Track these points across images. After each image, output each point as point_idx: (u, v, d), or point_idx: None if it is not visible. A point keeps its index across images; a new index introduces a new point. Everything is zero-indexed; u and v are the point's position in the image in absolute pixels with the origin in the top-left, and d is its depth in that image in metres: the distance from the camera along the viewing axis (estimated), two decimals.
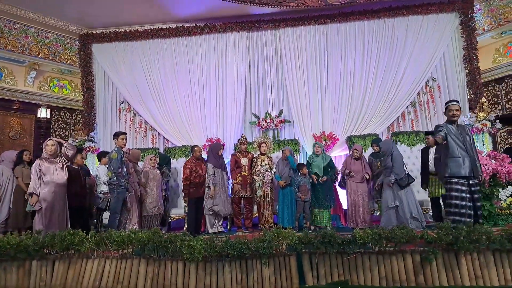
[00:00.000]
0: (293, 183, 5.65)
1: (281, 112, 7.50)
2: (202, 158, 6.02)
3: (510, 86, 7.37)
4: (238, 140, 6.39)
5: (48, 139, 4.69)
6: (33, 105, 7.94)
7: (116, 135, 5.02)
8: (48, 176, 4.43)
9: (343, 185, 6.01)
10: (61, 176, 4.54)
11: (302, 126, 7.35)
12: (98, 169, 5.52)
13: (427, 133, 5.61)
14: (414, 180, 5.23)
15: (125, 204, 4.82)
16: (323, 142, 7.09)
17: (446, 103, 4.37)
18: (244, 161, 5.98)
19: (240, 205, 5.95)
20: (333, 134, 7.19)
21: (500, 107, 7.56)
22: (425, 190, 5.51)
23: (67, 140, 7.38)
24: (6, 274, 3.43)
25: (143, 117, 7.85)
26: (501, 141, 7.58)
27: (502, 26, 6.94)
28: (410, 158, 6.53)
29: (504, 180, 5.38)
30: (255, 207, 6.02)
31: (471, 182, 4.08)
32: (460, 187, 4.03)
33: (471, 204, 4.04)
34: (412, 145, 6.62)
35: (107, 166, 5.03)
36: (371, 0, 6.88)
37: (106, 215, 5.32)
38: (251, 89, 7.73)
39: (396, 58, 7.24)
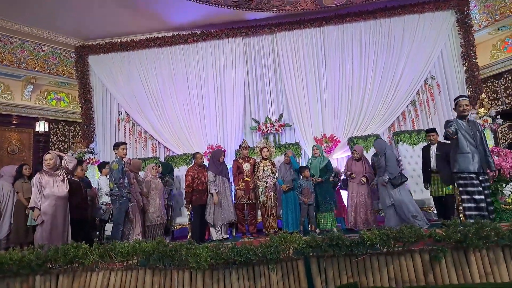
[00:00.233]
0: (296, 187, 5.61)
1: (281, 116, 7.48)
2: (204, 165, 5.99)
3: (509, 81, 7.37)
4: (240, 146, 6.36)
5: (46, 153, 4.65)
6: (31, 119, 7.91)
7: (117, 146, 4.98)
8: (48, 190, 4.40)
9: (343, 187, 5.97)
10: (62, 189, 4.50)
11: (303, 129, 7.32)
12: (99, 180, 5.48)
13: (428, 130, 5.57)
14: (407, 179, 5.23)
15: (127, 214, 4.78)
16: (324, 145, 7.07)
17: (456, 98, 4.34)
18: (246, 167, 5.94)
19: (243, 211, 5.90)
20: (334, 136, 7.16)
21: (500, 103, 7.55)
22: (427, 188, 5.46)
23: (66, 153, 7.38)
24: None
25: (142, 127, 7.82)
26: (502, 137, 7.55)
27: (499, 22, 6.96)
28: (413, 157, 6.48)
29: (508, 175, 5.35)
30: (259, 213, 5.97)
31: (481, 178, 4.04)
32: (474, 181, 3.99)
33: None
34: (414, 144, 6.58)
35: (108, 176, 4.99)
36: (366, 1, 6.88)
37: (108, 227, 5.26)
38: (250, 94, 7.71)
39: (394, 57, 7.24)
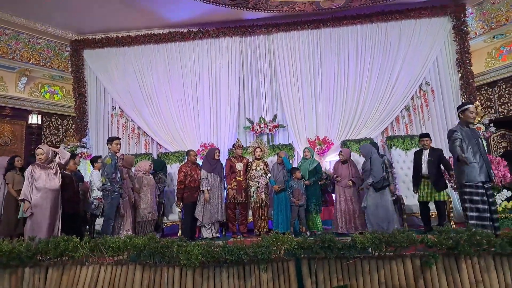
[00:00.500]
0: (287, 188, 5.62)
1: (275, 117, 7.48)
2: (197, 163, 5.97)
3: (503, 89, 7.44)
4: (233, 145, 6.35)
5: (37, 147, 4.60)
6: (24, 111, 7.82)
7: (110, 140, 4.95)
8: (40, 183, 4.38)
9: (329, 190, 6.00)
10: (54, 182, 4.48)
11: (297, 130, 7.32)
12: (92, 175, 5.43)
13: (422, 135, 5.60)
14: (390, 184, 5.26)
15: (118, 210, 4.75)
16: (318, 147, 7.08)
17: (463, 105, 4.30)
18: (239, 166, 5.94)
19: (235, 210, 5.89)
20: (328, 139, 7.16)
21: (493, 111, 7.62)
22: (416, 193, 5.48)
23: (58, 147, 7.31)
24: None
25: (136, 123, 7.76)
26: (495, 145, 7.63)
27: (494, 30, 7.00)
28: (405, 162, 6.52)
29: (500, 184, 5.41)
30: (250, 213, 5.96)
31: (486, 186, 4.03)
32: (480, 190, 3.97)
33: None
34: (407, 149, 6.62)
35: (101, 171, 4.95)
36: (364, 4, 6.91)
37: (99, 221, 5.22)
38: (245, 94, 7.70)
39: (389, 62, 7.26)
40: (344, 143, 6.95)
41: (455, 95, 7.15)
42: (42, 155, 4.48)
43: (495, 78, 7.49)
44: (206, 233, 5.64)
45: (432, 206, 5.43)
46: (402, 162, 6.58)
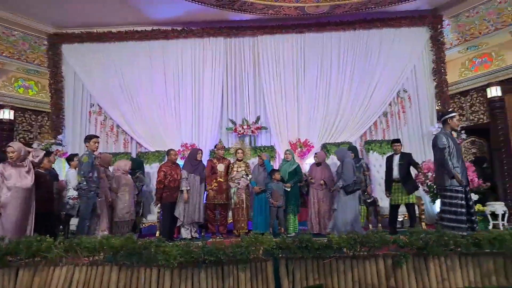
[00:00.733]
0: (267, 189, 5.68)
1: (258, 118, 7.53)
2: (177, 163, 5.94)
3: (475, 98, 7.76)
4: (215, 146, 6.35)
5: (7, 145, 4.45)
6: None
7: (88, 138, 4.83)
8: (11, 181, 4.24)
9: (303, 192, 6.11)
10: (26, 181, 4.34)
11: (279, 133, 7.40)
12: (68, 173, 5.31)
13: (394, 141, 5.80)
14: (360, 188, 5.38)
15: (94, 209, 4.66)
16: (299, 149, 7.18)
17: (449, 112, 4.49)
18: (220, 167, 5.95)
19: (215, 211, 5.89)
20: (309, 142, 7.27)
21: (465, 119, 7.93)
22: (388, 197, 5.67)
23: (31, 144, 7.11)
24: None
25: (115, 121, 7.62)
26: (465, 151, 7.95)
27: (468, 42, 7.30)
28: (382, 166, 6.66)
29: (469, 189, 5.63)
30: (230, 214, 5.98)
31: (467, 189, 4.18)
32: (460, 194, 4.09)
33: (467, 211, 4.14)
34: (384, 153, 6.82)
35: (77, 170, 4.85)
36: (347, 12, 7.06)
37: (74, 221, 5.11)
38: (228, 95, 7.71)
39: (370, 68, 7.46)
40: (324, 146, 7.07)
41: (430, 102, 7.41)
42: (13, 153, 4.33)
43: (467, 88, 7.81)
44: (185, 233, 5.62)
45: (403, 208, 5.61)
46: (379, 166, 6.77)
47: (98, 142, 4.89)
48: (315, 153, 6.06)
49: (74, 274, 3.18)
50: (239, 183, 5.82)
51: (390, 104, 7.54)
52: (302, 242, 3.25)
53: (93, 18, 7.36)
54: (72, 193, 5.11)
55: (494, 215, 6.02)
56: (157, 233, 5.75)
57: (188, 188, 5.62)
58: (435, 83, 7.42)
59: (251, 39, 7.75)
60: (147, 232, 6.28)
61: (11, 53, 7.36)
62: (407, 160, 5.54)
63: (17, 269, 3.22)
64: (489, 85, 7.35)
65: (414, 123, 7.39)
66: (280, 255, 3.31)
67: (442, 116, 4.50)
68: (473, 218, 4.18)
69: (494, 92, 7.25)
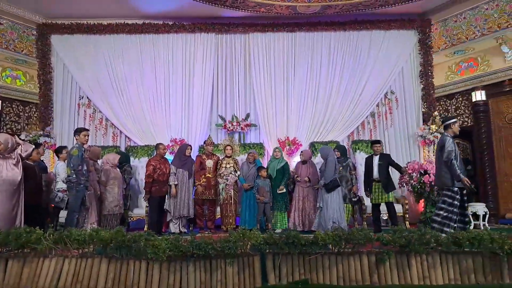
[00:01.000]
0: (254, 186, 5.76)
1: (247, 116, 7.58)
2: (165, 158, 5.97)
3: (460, 102, 7.93)
4: (204, 142, 6.39)
5: None
6: None
7: (78, 131, 4.83)
8: None
9: (289, 190, 6.21)
10: (14, 173, 4.31)
11: (268, 130, 7.47)
12: (57, 166, 5.28)
13: (374, 142, 5.97)
14: (339, 186, 5.51)
15: (84, 202, 4.67)
16: (287, 147, 7.27)
17: (451, 118, 4.77)
18: (209, 163, 5.99)
19: (203, 206, 5.94)
20: (297, 140, 7.36)
21: None
22: (368, 196, 5.83)
23: (19, 135, 7.02)
24: None
25: (104, 114, 7.58)
26: None
27: (455, 46, 7.46)
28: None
29: None
30: (218, 209, 6.05)
31: (464, 191, 4.43)
32: (458, 196, 4.33)
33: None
34: (371, 153, 6.93)
35: (66, 162, 4.83)
36: (338, 12, 7.15)
37: (62, 214, 5.10)
38: (218, 91, 7.74)
39: (359, 69, 7.58)
40: (312, 145, 7.18)
41: (416, 104, 7.60)
42: (0, 145, 4.31)
43: (453, 91, 7.98)
44: (173, 228, 5.68)
45: (383, 207, 5.76)
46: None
47: (88, 135, 4.89)
48: (301, 151, 6.19)
49: (63, 265, 3.21)
50: (227, 179, 5.88)
51: (377, 105, 7.69)
52: (288, 238, 3.34)
53: (83, 9, 7.27)
54: (61, 185, 5.10)
55: (475, 216, 6.20)
56: (145, 227, 5.77)
57: (176, 183, 5.66)
58: (422, 86, 7.59)
59: (243, 36, 7.79)
60: (135, 226, 6.29)
61: None
62: (387, 160, 5.73)
63: (7, 260, 3.24)
64: (474, 89, 7.52)
65: (400, 125, 7.56)
66: (267, 251, 3.40)
67: (445, 121, 4.70)
68: (466, 218, 4.52)
69: (479, 96, 7.42)
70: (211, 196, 5.89)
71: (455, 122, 4.61)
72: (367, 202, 6.13)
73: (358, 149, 7.07)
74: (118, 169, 5.69)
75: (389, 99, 7.70)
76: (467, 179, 4.26)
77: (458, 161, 4.33)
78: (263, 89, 7.55)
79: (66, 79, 7.62)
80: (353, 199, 6.00)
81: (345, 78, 7.57)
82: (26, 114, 8.08)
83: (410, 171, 6.00)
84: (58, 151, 5.65)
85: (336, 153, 6.16)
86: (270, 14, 7.25)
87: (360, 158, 6.92)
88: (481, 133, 7.32)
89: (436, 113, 7.41)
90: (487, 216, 6.20)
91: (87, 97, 7.62)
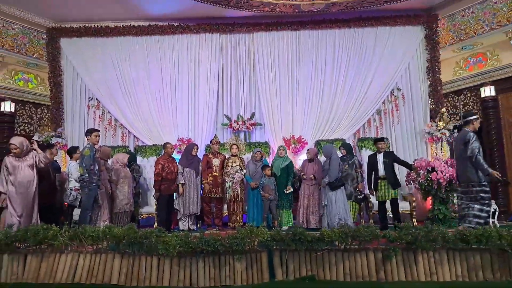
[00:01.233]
0: (260, 184, 5.83)
1: (252, 115, 7.64)
2: (173, 157, 6.07)
3: (468, 98, 7.88)
4: (211, 141, 6.47)
5: (10, 142, 4.56)
6: None
7: (89, 132, 4.97)
8: (15, 176, 4.41)
9: (296, 187, 6.25)
10: (28, 175, 4.49)
11: (273, 129, 7.52)
12: (69, 166, 5.40)
13: (378, 139, 5.97)
14: (344, 184, 5.57)
15: (96, 201, 4.81)
16: (292, 145, 7.31)
17: (472, 114, 4.84)
18: (216, 162, 6.07)
19: (210, 204, 6.03)
20: (302, 138, 7.39)
21: (458, 118, 8.04)
22: (372, 194, 5.85)
23: (32, 136, 7.19)
24: None
25: (113, 115, 7.71)
26: None
27: (463, 41, 7.39)
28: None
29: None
30: (225, 207, 6.13)
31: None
32: (488, 189, 4.49)
33: None
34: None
35: (79, 162, 4.97)
36: (342, 10, 7.15)
37: (76, 212, 5.23)
38: (224, 91, 7.80)
39: (364, 66, 7.57)
40: (317, 143, 7.20)
41: (423, 101, 7.55)
42: (16, 150, 4.49)
43: (461, 87, 7.92)
44: (182, 225, 5.78)
45: (389, 204, 5.78)
46: None
47: (98, 136, 5.04)
48: (308, 150, 6.22)
49: (79, 261, 3.34)
50: (233, 178, 5.96)
51: (383, 102, 7.67)
52: (295, 235, 3.41)
53: (91, 12, 7.40)
54: (73, 184, 5.22)
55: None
56: (155, 225, 5.88)
57: (183, 182, 5.76)
58: (429, 82, 7.54)
59: (247, 35, 7.83)
60: (145, 223, 6.40)
61: (11, 46, 7.40)
62: (392, 158, 5.75)
63: (25, 255, 3.38)
64: (483, 84, 7.46)
65: (407, 122, 7.53)
66: (274, 247, 3.47)
67: (466, 117, 4.79)
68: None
69: (488, 91, 7.36)
70: (218, 194, 5.97)
71: (477, 118, 4.73)
72: (373, 199, 6.16)
73: (364, 146, 7.07)
74: (128, 169, 5.81)
75: (395, 96, 7.68)
76: (496, 172, 4.31)
77: (481, 156, 4.42)
78: (268, 88, 7.59)
79: (75, 81, 7.77)
80: (358, 197, 6.02)
81: (350, 76, 7.57)
82: (38, 116, 8.27)
83: (417, 169, 6.01)
84: (71, 151, 5.77)
85: (342, 151, 6.19)
86: (274, 13, 7.29)
87: (366, 156, 6.89)
88: (490, 129, 7.27)
89: (443, 109, 7.37)
90: (497, 213, 6.16)
91: (96, 99, 7.77)
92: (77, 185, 5.04)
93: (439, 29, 7.61)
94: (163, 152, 6.22)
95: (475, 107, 7.78)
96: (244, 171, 6.04)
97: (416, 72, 7.67)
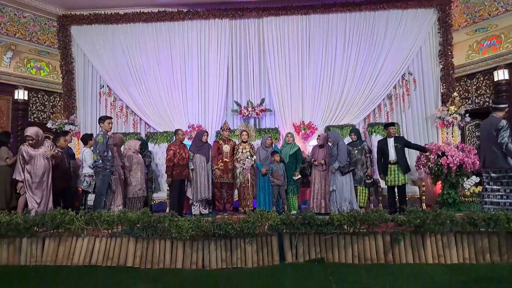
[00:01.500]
0: (269, 169, 5.90)
1: (262, 101, 7.65)
2: (184, 144, 6.16)
3: (481, 81, 7.76)
4: (221, 127, 6.53)
5: (25, 134, 4.67)
6: (10, 86, 7.72)
7: (102, 119, 5.07)
8: (30, 165, 4.57)
9: (307, 173, 6.29)
10: (43, 164, 4.65)
11: (283, 115, 7.53)
12: (83, 152, 5.54)
13: (389, 124, 5.93)
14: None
15: (110, 186, 4.94)
16: (302, 131, 7.32)
17: (503, 102, 4.88)
18: (226, 148, 6.15)
19: (221, 189, 6.13)
20: (312, 124, 7.40)
21: (470, 102, 7.97)
22: (383, 179, 5.86)
23: (45, 123, 7.34)
24: None
25: (124, 102, 7.81)
26: (469, 134, 8.03)
27: (477, 24, 7.21)
28: None
29: (469, 170, 5.80)
30: (236, 192, 6.23)
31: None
32: None
33: None
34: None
35: (92, 149, 5.09)
36: None
37: (91, 197, 5.39)
38: (234, 77, 7.81)
39: (375, 51, 7.48)
40: (327, 129, 7.20)
41: (435, 85, 7.46)
42: (32, 141, 4.64)
43: (474, 71, 7.78)
44: (194, 210, 5.92)
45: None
46: None
47: (111, 123, 5.14)
48: (318, 135, 6.23)
49: (95, 244, 3.47)
50: (244, 164, 6.03)
51: (394, 87, 7.59)
52: (305, 218, 3.48)
53: None
54: (87, 170, 5.36)
55: None
56: (167, 209, 6.02)
57: (192, 167, 5.89)
58: (441, 66, 7.43)
59: (256, 20, 7.78)
60: (158, 209, 6.55)
61: (23, 34, 7.49)
62: (403, 142, 5.74)
63: (44, 239, 3.52)
64: (496, 68, 7.34)
65: (418, 106, 7.47)
66: (284, 231, 3.55)
67: (498, 103, 4.77)
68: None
69: (502, 75, 7.24)
70: (229, 179, 6.06)
71: (507, 107, 4.74)
72: (383, 184, 6.18)
73: (374, 131, 7.04)
74: (140, 155, 5.92)
75: (406, 80, 7.59)
76: None
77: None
78: (278, 74, 7.57)
79: (87, 68, 7.87)
80: (368, 181, 6.05)
81: (361, 60, 7.49)
82: (51, 104, 8.43)
83: (427, 153, 5.99)
84: (86, 138, 5.90)
85: (352, 136, 6.20)
86: None
87: (376, 141, 6.92)
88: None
89: (455, 93, 7.27)
90: None
91: (108, 86, 7.85)
92: (91, 171, 5.18)
93: (452, 12, 7.44)
94: (174, 138, 6.30)
95: (487, 91, 7.66)
96: (254, 157, 6.10)
97: (428, 56, 7.56)
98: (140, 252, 3.40)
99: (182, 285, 3.07)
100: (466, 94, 8.04)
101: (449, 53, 7.41)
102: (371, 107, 7.52)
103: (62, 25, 7.77)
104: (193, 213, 5.83)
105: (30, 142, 4.59)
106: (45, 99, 8.38)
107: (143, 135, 7.58)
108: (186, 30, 7.78)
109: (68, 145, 5.79)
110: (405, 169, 5.60)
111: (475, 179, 6.10)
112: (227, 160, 6.08)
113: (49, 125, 7.41)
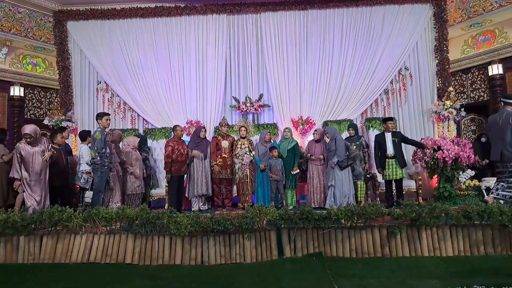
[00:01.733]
0: (267, 165, 5.93)
1: (261, 96, 7.66)
2: (183, 140, 6.17)
3: (476, 76, 7.82)
4: (219, 123, 6.54)
5: (23, 132, 4.66)
6: (6, 82, 7.70)
7: (100, 116, 5.06)
8: (29, 162, 4.57)
9: (303, 168, 6.33)
10: (40, 163, 4.65)
11: (281, 110, 7.55)
12: (81, 149, 5.53)
13: (387, 119, 5.99)
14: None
15: (108, 183, 4.94)
16: (300, 127, 7.35)
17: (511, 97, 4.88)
18: (225, 144, 6.17)
19: (220, 185, 6.16)
20: (310, 119, 7.42)
21: (465, 96, 8.04)
22: (380, 173, 5.91)
23: (42, 120, 7.32)
24: None
25: (121, 98, 7.78)
26: (464, 128, 8.10)
27: (472, 19, 7.28)
28: None
29: (465, 164, 5.86)
30: (235, 188, 6.26)
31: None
32: None
33: None
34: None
35: (90, 145, 5.09)
36: None
37: (88, 194, 5.39)
38: (232, 72, 7.80)
39: (372, 46, 7.50)
40: (325, 124, 7.24)
41: (431, 80, 7.50)
42: (30, 138, 4.63)
43: (469, 65, 7.85)
44: (193, 206, 5.94)
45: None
46: None
47: (109, 119, 5.15)
48: (315, 130, 6.27)
49: (93, 241, 3.48)
50: (242, 159, 6.06)
51: (391, 82, 7.63)
52: (303, 213, 3.51)
53: None
54: (84, 167, 5.36)
55: (488, 190, 6.23)
56: (166, 206, 6.05)
57: (188, 162, 5.92)
58: (437, 61, 7.47)
59: (254, 16, 7.77)
60: (156, 205, 6.58)
61: (18, 30, 7.45)
62: (400, 137, 5.80)
63: (41, 236, 3.53)
64: (491, 62, 7.40)
65: (414, 101, 7.51)
66: (283, 226, 3.59)
67: (509, 98, 4.83)
68: None
69: (496, 69, 7.32)
70: (227, 175, 6.09)
71: None
72: (380, 178, 6.24)
73: (372, 126, 7.10)
74: (138, 152, 5.93)
75: (403, 75, 7.63)
76: None
77: None
78: (276, 69, 7.58)
79: (83, 64, 7.81)
80: (367, 176, 6.10)
81: (358, 55, 7.51)
82: (48, 100, 8.40)
83: (430, 146, 6.05)
84: (84, 135, 5.89)
85: (351, 131, 6.23)
86: None
87: (373, 136, 6.96)
88: (497, 107, 7.21)
89: (451, 88, 7.32)
90: None
91: (105, 82, 7.81)
92: (88, 168, 5.17)
93: (448, 7, 7.47)
94: (172, 134, 6.31)
95: (482, 85, 7.73)
96: (253, 152, 6.13)
97: (424, 51, 7.59)
98: (139, 248, 3.42)
99: (181, 281, 3.09)
100: (462, 89, 8.11)
101: (445, 48, 7.45)
102: (368, 102, 7.55)
103: (58, 20, 7.70)
104: (192, 209, 5.85)
105: (29, 140, 4.59)
106: (42, 96, 8.35)
107: (141, 131, 7.58)
108: (183, 25, 7.74)
109: (66, 141, 5.78)
110: (402, 163, 5.67)
111: (470, 172, 6.17)
112: (226, 156, 6.11)
113: (45, 121, 7.39)
